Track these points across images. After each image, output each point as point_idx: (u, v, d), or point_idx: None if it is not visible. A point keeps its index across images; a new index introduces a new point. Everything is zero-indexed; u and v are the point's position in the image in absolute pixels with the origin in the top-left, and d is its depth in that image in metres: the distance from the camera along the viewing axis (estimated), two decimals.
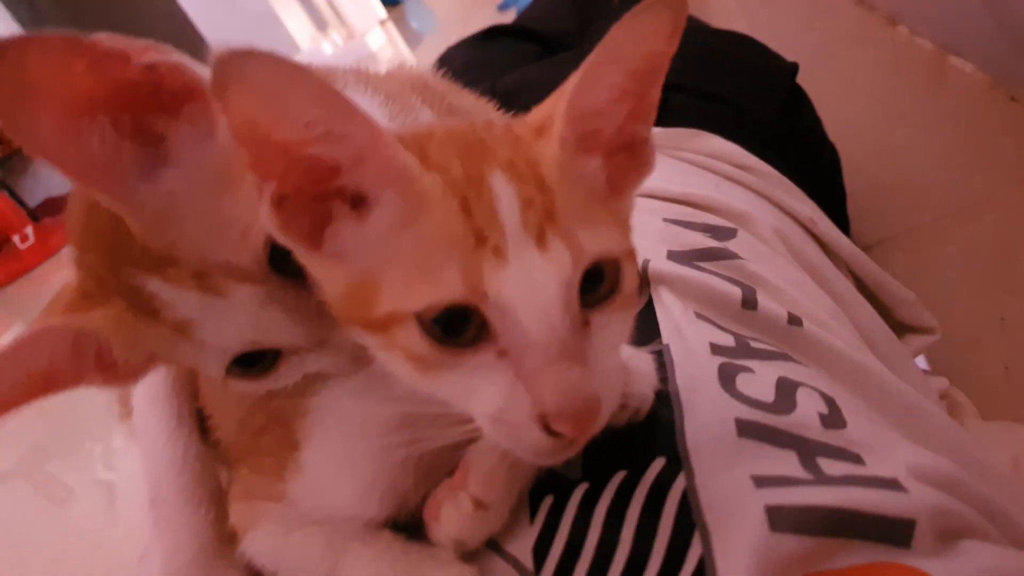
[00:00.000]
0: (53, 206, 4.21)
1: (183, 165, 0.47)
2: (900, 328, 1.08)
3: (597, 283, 0.43)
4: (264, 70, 0.35)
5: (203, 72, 0.46)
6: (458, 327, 0.40)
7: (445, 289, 0.39)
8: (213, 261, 0.48)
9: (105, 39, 0.41)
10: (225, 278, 0.48)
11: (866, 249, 1.11)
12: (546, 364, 0.39)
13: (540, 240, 0.40)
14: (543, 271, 0.39)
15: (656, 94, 0.46)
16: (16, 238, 3.83)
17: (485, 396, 0.41)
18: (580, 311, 0.41)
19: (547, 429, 0.39)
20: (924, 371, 1.14)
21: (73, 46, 0.40)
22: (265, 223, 0.42)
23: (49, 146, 0.42)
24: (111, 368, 0.53)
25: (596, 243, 0.42)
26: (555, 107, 0.44)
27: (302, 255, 0.44)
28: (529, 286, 0.39)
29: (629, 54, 0.42)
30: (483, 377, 0.41)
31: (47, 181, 4.31)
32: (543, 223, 0.40)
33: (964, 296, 1.31)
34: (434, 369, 0.41)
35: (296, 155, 0.40)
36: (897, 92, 1.81)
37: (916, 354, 1.09)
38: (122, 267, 0.49)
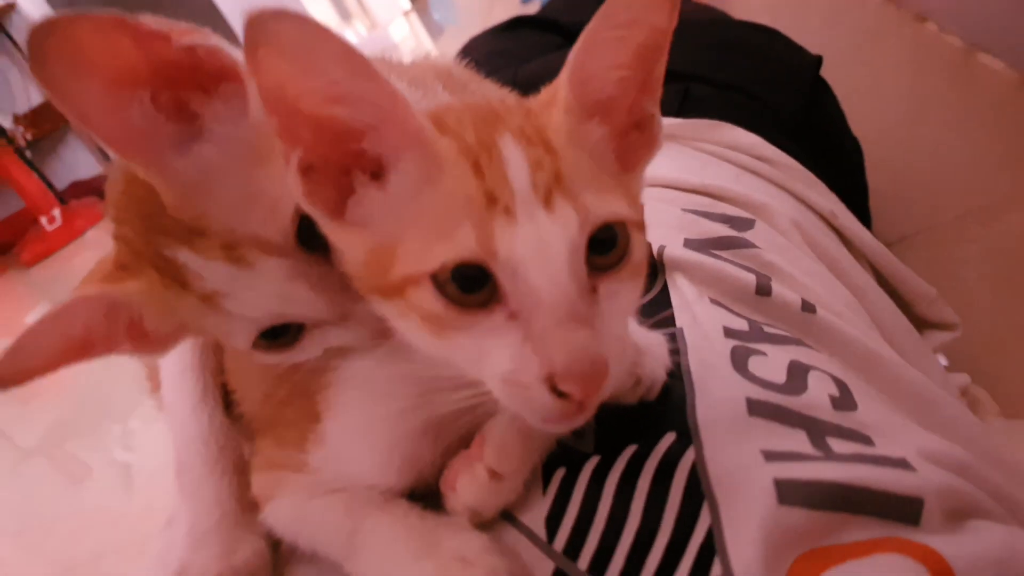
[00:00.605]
0: (80, 189, 4.29)
1: (216, 140, 0.50)
2: (921, 324, 1.07)
3: (607, 249, 0.44)
4: (293, 31, 0.37)
5: (238, 55, 0.49)
6: (471, 287, 0.42)
7: (459, 246, 0.41)
8: (242, 233, 0.50)
9: (150, 20, 0.45)
10: (253, 250, 0.50)
11: (888, 245, 1.10)
12: (554, 325, 0.40)
13: (547, 201, 0.41)
14: (551, 231, 0.41)
15: (661, 70, 0.48)
16: (44, 219, 3.90)
17: (496, 358, 0.42)
18: (588, 275, 0.43)
19: (555, 391, 0.41)
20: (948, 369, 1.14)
21: (121, 24, 0.43)
22: (292, 191, 0.44)
23: (93, 115, 0.45)
24: (142, 337, 0.55)
25: (602, 206, 0.43)
26: (560, 79, 0.46)
27: (325, 224, 0.46)
28: (538, 245, 0.41)
29: (627, 21, 0.43)
30: (494, 339, 0.42)
31: (75, 164, 4.38)
32: (550, 185, 0.42)
33: (986, 294, 1.30)
34: (448, 331, 0.43)
35: (320, 120, 0.42)
36: (924, 89, 1.80)
37: (937, 350, 1.09)
38: (155, 238, 0.51)
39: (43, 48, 0.41)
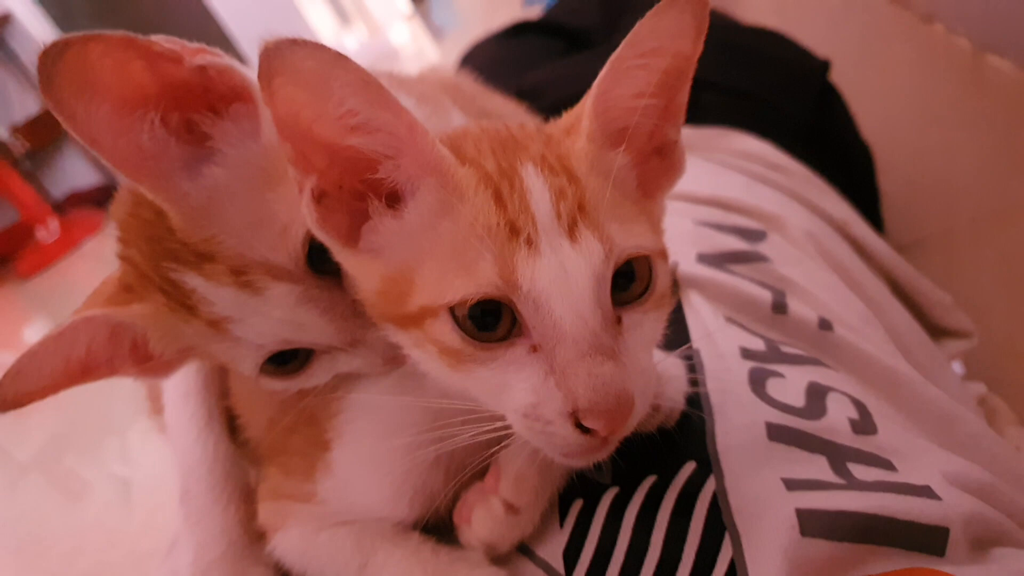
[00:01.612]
0: (78, 200, 4.29)
1: (226, 163, 0.49)
2: (936, 332, 1.06)
3: (630, 282, 0.43)
4: (309, 59, 0.36)
5: (250, 75, 0.49)
6: (491, 322, 0.41)
7: (480, 281, 0.40)
8: (251, 258, 0.49)
9: (161, 40, 0.44)
10: (262, 275, 0.49)
11: (901, 250, 1.09)
12: (578, 358, 0.39)
13: (572, 232, 0.40)
14: (575, 262, 0.40)
15: (684, 96, 0.47)
16: (41, 231, 3.90)
17: (517, 391, 0.41)
18: (612, 308, 0.42)
19: (579, 426, 0.39)
20: (964, 378, 1.12)
21: (131, 45, 0.43)
22: (305, 218, 0.43)
23: (102, 138, 0.45)
24: (146, 361, 0.54)
25: (628, 238, 0.42)
26: (583, 106, 0.45)
27: (338, 252, 0.45)
28: (561, 277, 0.39)
29: (653, 50, 0.43)
30: (515, 372, 0.41)
31: (72, 175, 4.39)
32: (575, 215, 0.41)
33: (1002, 300, 1.28)
34: (466, 364, 0.42)
35: (336, 148, 0.41)
36: (933, 91, 1.78)
37: (953, 359, 1.07)
38: (162, 262, 0.50)
39: (52, 71, 0.41)
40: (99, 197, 4.15)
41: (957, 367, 1.15)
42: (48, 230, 3.93)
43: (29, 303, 3.74)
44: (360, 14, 4.93)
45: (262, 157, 0.50)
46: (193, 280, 0.49)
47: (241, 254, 0.49)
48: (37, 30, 3.96)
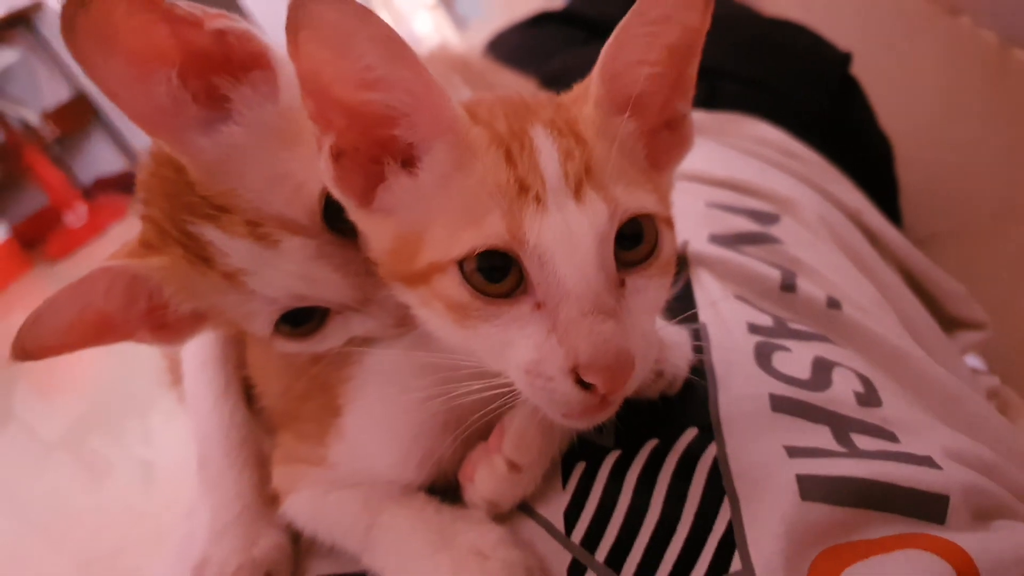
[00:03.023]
0: (105, 185, 4.34)
1: (244, 123, 0.51)
2: (950, 323, 1.05)
3: (635, 244, 0.44)
4: (335, 14, 0.38)
5: (268, 42, 0.50)
6: (497, 276, 0.42)
7: (487, 233, 0.41)
8: (267, 212, 0.50)
9: (183, 4, 0.46)
10: (278, 229, 0.50)
11: (919, 243, 1.09)
12: (580, 315, 0.40)
13: (578, 192, 0.41)
14: (579, 221, 0.41)
15: (693, 71, 0.47)
16: (69, 215, 3.95)
17: (520, 348, 0.42)
18: (616, 269, 0.43)
19: (579, 383, 0.40)
20: (977, 370, 1.11)
21: (153, 6, 0.45)
22: (322, 176, 0.45)
23: (120, 90, 0.46)
24: (161, 325, 0.55)
25: (631, 200, 0.43)
26: (592, 75, 0.46)
27: (353, 211, 0.47)
28: (566, 235, 0.40)
29: (661, 17, 0.43)
30: (519, 329, 0.42)
31: (100, 161, 4.43)
32: (581, 176, 0.42)
33: (1020, 296, 1.27)
34: (472, 320, 0.43)
35: (355, 106, 0.42)
36: (958, 85, 1.76)
37: (967, 350, 1.07)
38: (181, 215, 0.52)
39: (75, 21, 0.43)
40: (126, 183, 4.19)
41: (976, 362, 1.14)
42: (76, 214, 3.98)
43: (58, 286, 3.78)
44: (384, 3, 4.92)
45: (279, 118, 0.51)
46: (210, 232, 0.51)
47: (257, 208, 0.50)
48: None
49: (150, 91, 0.47)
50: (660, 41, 0.44)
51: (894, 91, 1.47)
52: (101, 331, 0.53)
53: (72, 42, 0.43)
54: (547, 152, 0.42)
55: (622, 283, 0.43)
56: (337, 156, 0.44)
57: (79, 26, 0.43)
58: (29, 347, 0.50)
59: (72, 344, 0.52)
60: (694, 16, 0.44)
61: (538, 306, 0.42)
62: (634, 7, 0.43)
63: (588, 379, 0.40)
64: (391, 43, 0.40)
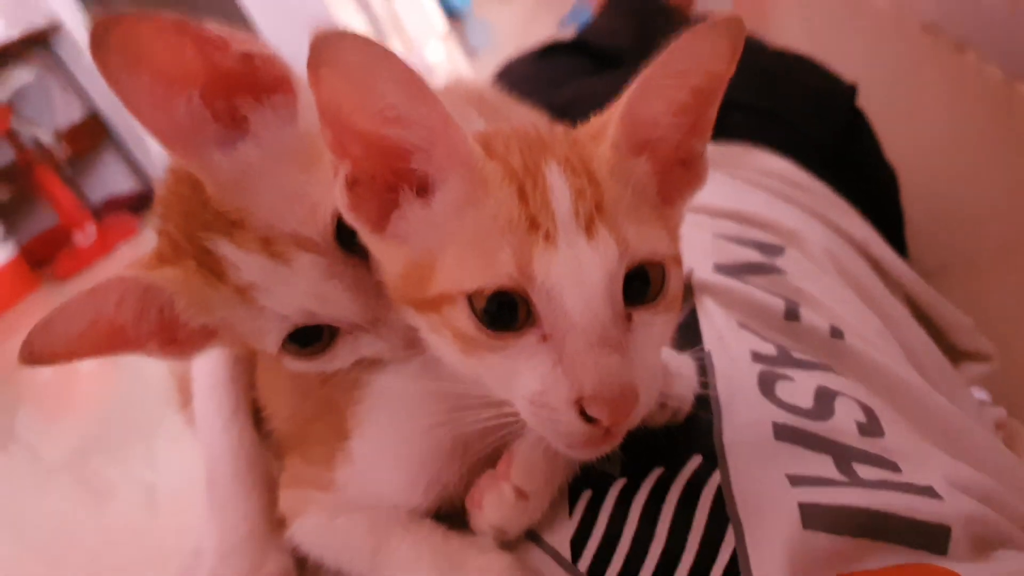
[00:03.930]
0: (115, 205, 4.36)
1: (261, 144, 0.52)
2: (956, 355, 1.05)
3: (643, 285, 0.44)
4: (356, 52, 0.39)
5: (292, 66, 0.52)
6: (506, 316, 0.42)
7: (497, 272, 0.41)
8: (281, 230, 0.51)
9: (212, 26, 0.48)
10: (291, 247, 0.51)
11: (926, 275, 1.09)
12: (586, 348, 0.41)
13: (589, 230, 0.42)
14: (590, 258, 0.41)
15: (713, 112, 0.48)
16: (78, 235, 3.97)
17: (526, 379, 0.43)
18: (623, 306, 0.43)
19: (583, 415, 0.41)
20: (984, 401, 1.11)
21: (183, 28, 0.46)
22: (337, 203, 0.46)
23: (142, 107, 0.48)
24: (171, 340, 0.56)
25: (643, 242, 0.43)
26: (611, 114, 0.47)
27: (367, 236, 0.48)
28: (576, 271, 0.41)
29: (686, 69, 0.44)
30: (525, 360, 0.43)
31: (110, 181, 4.46)
32: (592, 214, 0.42)
33: None
34: (479, 351, 0.44)
35: (373, 138, 0.43)
36: (964, 119, 1.77)
37: (973, 382, 1.06)
38: (196, 230, 0.53)
39: (105, 39, 0.44)
40: (135, 203, 4.22)
41: (983, 393, 1.14)
42: (85, 234, 3.98)
43: None
44: (396, 31, 4.97)
45: (297, 140, 0.52)
46: (224, 247, 0.52)
47: (271, 225, 0.51)
48: (84, 39, 4.04)
49: (172, 108, 0.49)
50: (684, 90, 0.45)
51: (900, 124, 1.48)
52: (111, 341, 0.53)
53: (100, 58, 0.44)
54: (559, 190, 0.43)
55: (629, 317, 0.44)
56: (352, 184, 0.45)
57: (109, 43, 0.44)
58: (38, 352, 0.50)
59: (81, 352, 0.52)
60: (720, 65, 0.44)
61: (545, 338, 0.42)
62: (661, 57, 0.43)
63: (592, 412, 0.41)
64: (411, 82, 0.41)
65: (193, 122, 0.50)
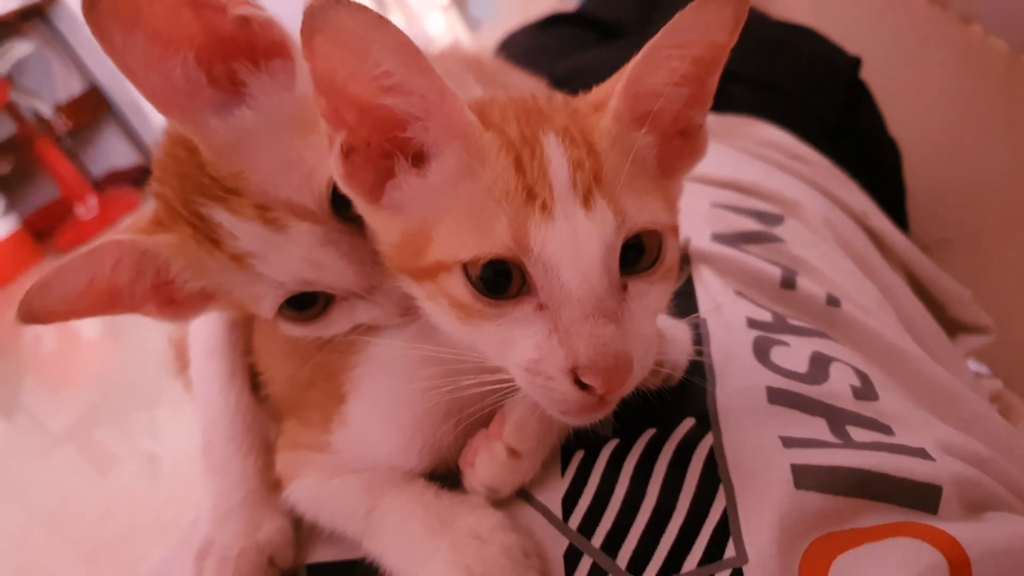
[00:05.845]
0: (117, 178, 4.35)
1: (258, 108, 0.52)
2: (954, 327, 1.06)
3: (639, 255, 0.45)
4: (351, 20, 0.38)
5: (289, 31, 0.51)
6: (501, 283, 0.43)
7: (493, 241, 0.42)
8: (276, 197, 0.51)
9: None
10: (287, 214, 0.51)
11: (926, 248, 1.09)
12: (582, 318, 0.41)
13: (586, 201, 0.42)
14: (586, 229, 0.41)
15: (714, 83, 0.48)
16: (80, 208, 3.97)
17: (521, 347, 0.43)
18: (620, 276, 0.43)
19: (578, 382, 0.41)
20: (981, 374, 1.12)
21: None
22: (332, 172, 0.45)
23: (136, 67, 0.47)
24: (167, 301, 0.56)
25: (641, 212, 0.43)
26: (614, 85, 0.47)
27: (362, 206, 0.48)
28: (572, 243, 0.41)
29: (691, 41, 0.44)
30: (521, 328, 0.43)
31: (112, 154, 4.44)
32: (590, 185, 0.42)
33: None
34: (475, 318, 0.44)
35: (369, 107, 0.43)
36: (968, 92, 1.76)
37: (971, 354, 1.07)
38: (192, 195, 0.53)
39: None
40: (136, 176, 4.21)
41: (981, 366, 1.14)
42: (87, 207, 3.98)
43: None
44: (398, 4, 4.93)
45: (294, 106, 0.52)
46: (220, 214, 0.52)
47: (266, 191, 0.51)
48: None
49: (167, 71, 0.48)
50: (687, 60, 0.45)
51: (903, 97, 1.47)
52: (108, 301, 0.54)
53: (93, 18, 0.44)
54: (557, 161, 0.43)
55: (624, 287, 0.44)
56: (347, 153, 0.45)
57: (101, 3, 0.44)
58: (36, 311, 0.50)
59: (78, 311, 0.53)
60: (723, 34, 0.44)
61: (541, 307, 0.43)
62: (666, 28, 0.43)
63: (586, 380, 0.41)
64: (406, 50, 0.41)
65: (189, 85, 0.49)
